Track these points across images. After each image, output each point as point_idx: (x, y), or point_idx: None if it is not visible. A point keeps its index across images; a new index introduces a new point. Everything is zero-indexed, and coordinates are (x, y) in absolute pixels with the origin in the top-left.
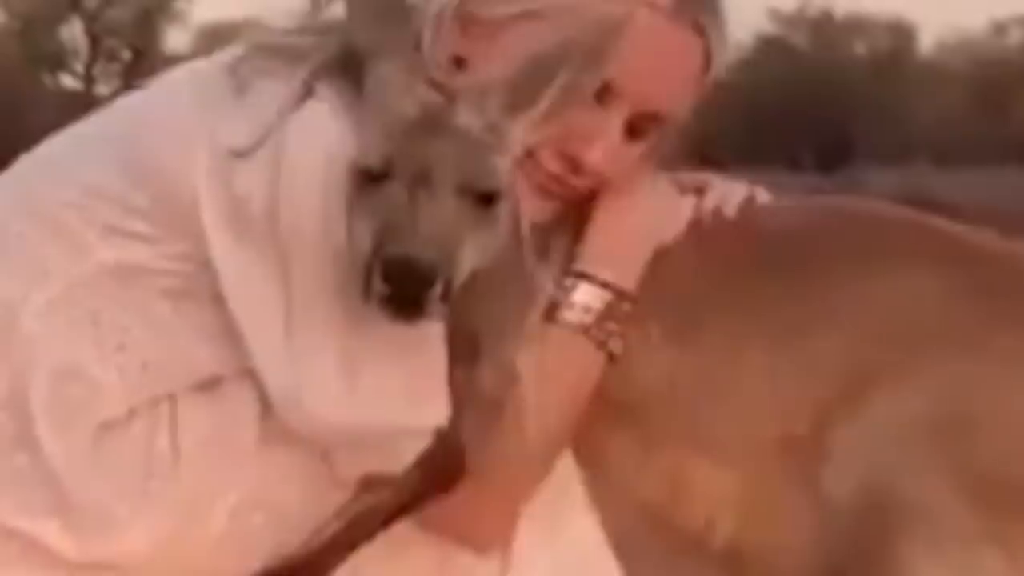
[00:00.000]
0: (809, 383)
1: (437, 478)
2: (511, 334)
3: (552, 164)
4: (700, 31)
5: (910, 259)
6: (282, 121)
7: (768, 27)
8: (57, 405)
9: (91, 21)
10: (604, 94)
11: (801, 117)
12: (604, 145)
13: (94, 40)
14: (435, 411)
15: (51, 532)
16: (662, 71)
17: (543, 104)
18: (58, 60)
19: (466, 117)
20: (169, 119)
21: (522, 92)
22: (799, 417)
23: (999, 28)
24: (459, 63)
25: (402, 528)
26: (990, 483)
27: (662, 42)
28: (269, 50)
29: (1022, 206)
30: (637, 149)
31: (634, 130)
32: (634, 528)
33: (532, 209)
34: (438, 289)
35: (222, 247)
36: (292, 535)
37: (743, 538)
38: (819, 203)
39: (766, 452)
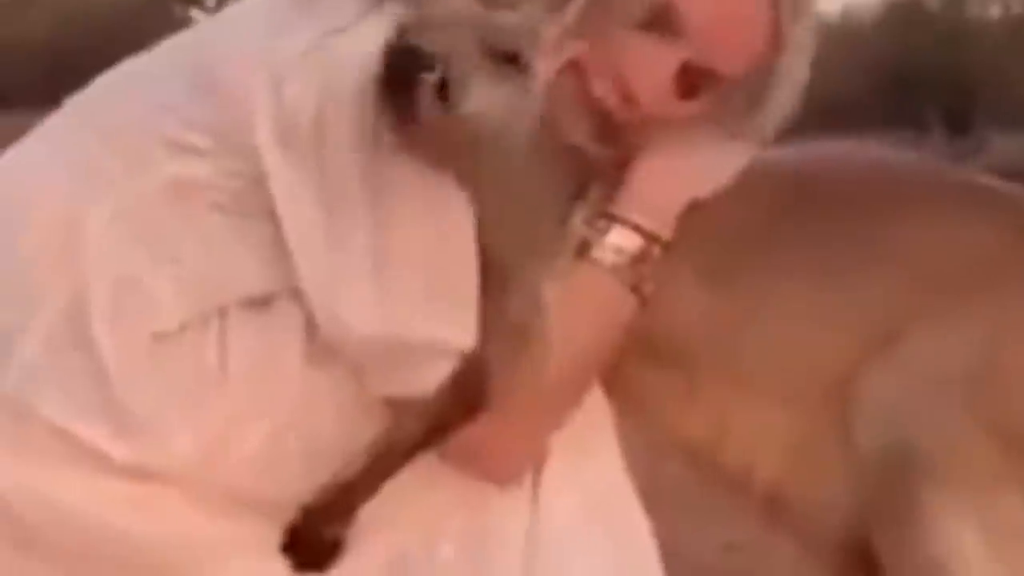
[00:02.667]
0: (847, 326)
1: (462, 404)
2: (541, 264)
3: (599, 85)
4: (773, 4)
5: (957, 209)
6: (342, 34)
7: None
8: (114, 314)
9: None
10: (668, 27)
11: (930, 80)
12: (654, 77)
13: None
14: (463, 329)
15: (100, 433)
16: (730, 22)
17: (575, 9)
18: None
19: (500, 16)
20: (236, 33)
21: None
22: (836, 360)
23: None
24: None
25: (430, 464)
26: (1020, 435)
27: None
28: None
29: None
30: (687, 108)
31: (687, 88)
32: (672, 472)
33: (576, 127)
34: (434, 76)
35: (273, 159)
36: (322, 465)
37: (784, 482)
38: (859, 155)
39: (806, 394)
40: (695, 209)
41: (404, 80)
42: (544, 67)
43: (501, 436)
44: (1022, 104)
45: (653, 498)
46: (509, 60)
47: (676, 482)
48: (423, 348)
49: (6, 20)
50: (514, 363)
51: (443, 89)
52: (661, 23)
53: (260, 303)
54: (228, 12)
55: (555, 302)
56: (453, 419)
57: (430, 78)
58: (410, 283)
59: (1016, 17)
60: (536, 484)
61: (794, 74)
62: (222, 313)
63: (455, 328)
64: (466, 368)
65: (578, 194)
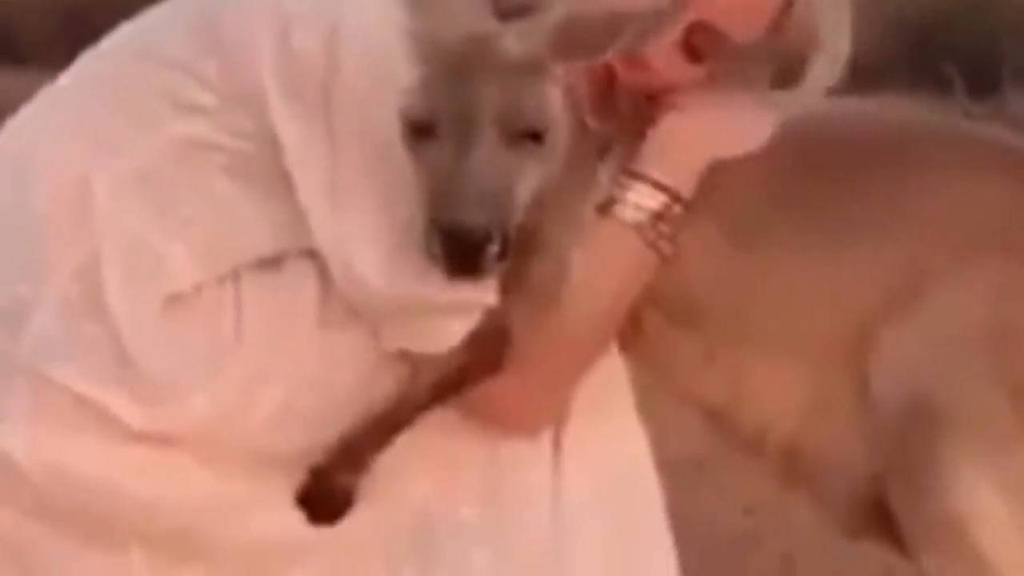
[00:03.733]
0: (867, 283)
1: (482, 359)
2: (565, 224)
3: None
4: None
5: (977, 169)
6: None
7: None
8: (126, 277)
9: None
10: None
11: (954, 38)
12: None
13: None
14: (476, 289)
15: (118, 400)
16: None
17: (597, 57)
18: None
19: (511, 46)
20: None
21: (576, 43)
22: (855, 317)
23: None
24: None
25: (447, 418)
26: None
27: None
28: None
29: None
30: (696, 71)
31: (694, 50)
32: (689, 434)
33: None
34: (495, 248)
35: (280, 111)
36: (339, 419)
37: (800, 441)
38: (882, 114)
39: (823, 352)
40: (717, 169)
41: (468, 257)
42: (556, 93)
43: (521, 390)
44: None
45: (670, 462)
46: (528, 136)
47: (693, 445)
48: (439, 304)
49: None
50: (536, 323)
51: (504, 248)
52: None
53: (271, 264)
54: None
55: (578, 259)
56: (471, 375)
57: (493, 249)
58: (418, 244)
59: None
60: (556, 445)
61: (835, 45)
62: (235, 277)
63: (467, 288)
64: (487, 326)
65: (602, 154)
